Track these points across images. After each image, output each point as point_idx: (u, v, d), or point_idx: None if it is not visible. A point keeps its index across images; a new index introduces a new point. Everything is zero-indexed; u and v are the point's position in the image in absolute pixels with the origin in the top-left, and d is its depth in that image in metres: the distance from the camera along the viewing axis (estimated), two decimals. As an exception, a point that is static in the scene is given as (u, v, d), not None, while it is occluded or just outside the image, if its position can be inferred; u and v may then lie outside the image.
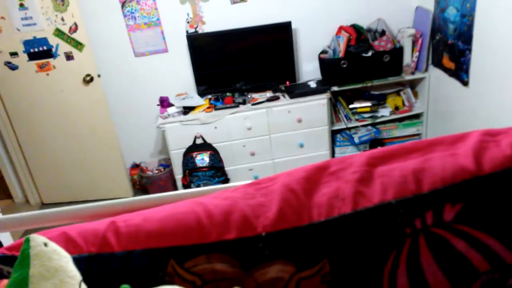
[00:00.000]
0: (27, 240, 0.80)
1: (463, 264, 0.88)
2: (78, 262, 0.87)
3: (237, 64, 3.37)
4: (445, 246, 0.88)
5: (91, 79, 3.19)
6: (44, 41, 3.09)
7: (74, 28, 3.07)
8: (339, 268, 0.89)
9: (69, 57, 3.14)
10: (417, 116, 3.48)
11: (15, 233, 2.86)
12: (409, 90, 3.44)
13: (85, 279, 0.84)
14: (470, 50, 2.67)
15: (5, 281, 1.00)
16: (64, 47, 3.11)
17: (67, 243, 0.90)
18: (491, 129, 1.00)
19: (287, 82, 3.41)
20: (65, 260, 0.82)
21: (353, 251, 0.89)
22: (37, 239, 0.81)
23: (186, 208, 0.95)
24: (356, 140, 3.39)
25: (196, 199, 1.00)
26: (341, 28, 3.33)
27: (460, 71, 2.83)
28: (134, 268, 0.89)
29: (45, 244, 0.81)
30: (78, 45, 3.11)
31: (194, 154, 3.19)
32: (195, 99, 3.35)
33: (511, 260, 0.88)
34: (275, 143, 3.33)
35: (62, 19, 3.04)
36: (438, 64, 3.13)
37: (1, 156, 3.36)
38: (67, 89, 3.22)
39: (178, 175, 3.33)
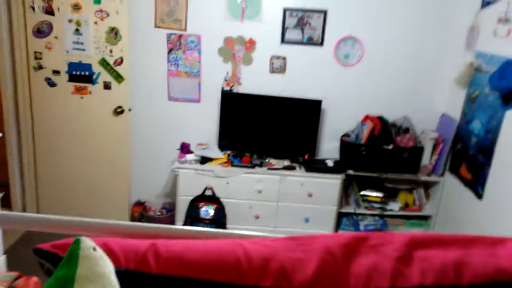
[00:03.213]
0: (78, 241, 0.81)
1: None
2: (116, 275, 0.86)
3: (262, 127, 3.47)
4: None
5: (122, 111, 3.28)
6: (87, 66, 3.23)
7: (119, 61, 3.22)
8: None
9: (107, 86, 3.26)
10: (426, 217, 3.50)
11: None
12: (422, 190, 3.49)
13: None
14: (489, 165, 2.75)
15: (35, 278, 0.99)
16: (104, 76, 3.24)
17: (108, 254, 0.90)
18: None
19: (306, 155, 3.48)
20: (109, 268, 0.82)
21: None
22: (87, 242, 0.82)
23: (228, 247, 0.96)
24: (362, 227, 3.38)
25: (237, 241, 1.01)
26: (367, 117, 3.47)
27: (476, 183, 2.89)
28: None
29: (94, 249, 0.81)
30: (119, 77, 3.24)
31: (201, 204, 3.18)
32: (215, 151, 3.41)
33: None
34: (281, 211, 3.33)
35: (111, 51, 3.20)
36: (455, 171, 3.20)
37: (14, 165, 3.36)
38: (96, 115, 3.31)
39: (179, 222, 3.29)
